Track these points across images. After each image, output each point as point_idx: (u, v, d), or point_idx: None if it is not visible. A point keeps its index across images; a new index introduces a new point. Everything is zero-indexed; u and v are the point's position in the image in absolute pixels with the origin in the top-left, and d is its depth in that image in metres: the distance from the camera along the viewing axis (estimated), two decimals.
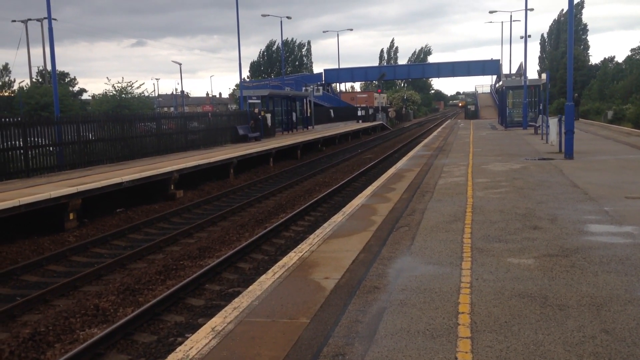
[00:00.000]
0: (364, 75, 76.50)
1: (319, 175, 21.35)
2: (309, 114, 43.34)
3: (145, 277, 9.00)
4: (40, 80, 50.80)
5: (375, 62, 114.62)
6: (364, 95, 78.89)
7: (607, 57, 75.22)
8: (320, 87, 60.87)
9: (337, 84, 76.38)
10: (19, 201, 11.21)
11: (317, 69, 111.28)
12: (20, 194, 11.88)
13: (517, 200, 9.89)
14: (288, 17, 47.45)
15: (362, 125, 49.98)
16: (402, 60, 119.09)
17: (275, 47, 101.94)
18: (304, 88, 52.73)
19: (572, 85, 16.76)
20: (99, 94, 41.37)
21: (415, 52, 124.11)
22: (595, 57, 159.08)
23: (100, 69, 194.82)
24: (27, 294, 8.60)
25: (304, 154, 28.86)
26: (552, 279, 5.61)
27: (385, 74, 70.96)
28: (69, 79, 56.22)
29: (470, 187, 11.52)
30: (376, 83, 76.60)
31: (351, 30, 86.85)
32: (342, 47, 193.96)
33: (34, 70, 55.84)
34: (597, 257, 6.27)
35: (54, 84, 20.59)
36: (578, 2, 79.25)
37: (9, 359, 6.33)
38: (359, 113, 57.98)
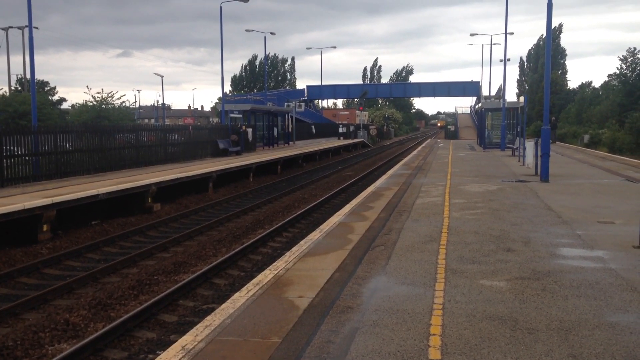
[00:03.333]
0: (346, 93, 77.11)
1: (298, 192, 21.36)
2: (290, 130, 43.43)
3: (118, 292, 8.89)
4: (19, 88, 50.21)
5: (360, 80, 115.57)
6: (346, 113, 79.27)
7: (584, 82, 76.83)
8: (303, 103, 61.15)
9: (320, 101, 76.79)
10: None
11: (302, 84, 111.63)
12: None
13: (492, 222, 10.01)
14: (272, 33, 47.66)
15: (343, 142, 50.22)
16: (386, 78, 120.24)
17: (257, 61, 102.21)
18: (286, 103, 52.93)
19: (548, 109, 17.09)
20: (79, 104, 40.98)
21: (397, 71, 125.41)
22: (576, 81, 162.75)
23: (83, 78, 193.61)
24: None
25: (284, 169, 28.87)
26: (523, 302, 5.68)
27: (367, 92, 71.65)
28: (48, 88, 55.57)
29: (447, 208, 11.63)
30: (357, 101, 77.18)
31: (334, 47, 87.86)
32: (329, 64, 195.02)
33: (14, 79, 55.12)
34: (568, 281, 6.36)
35: (33, 93, 20.35)
36: (556, 27, 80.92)
37: None
38: (341, 130, 58.27)
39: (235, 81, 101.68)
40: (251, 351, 4.61)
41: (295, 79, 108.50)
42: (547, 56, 17.20)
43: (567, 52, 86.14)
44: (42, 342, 7.04)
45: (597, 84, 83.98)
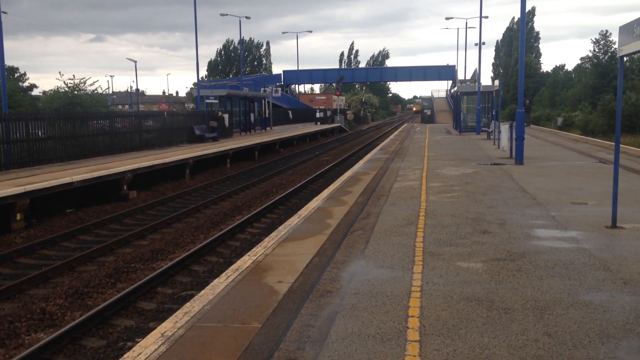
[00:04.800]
0: (323, 78, 76.80)
1: (276, 177, 21.32)
2: (267, 115, 43.19)
3: (95, 280, 8.80)
4: None
5: (337, 65, 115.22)
6: (323, 97, 79.16)
7: (557, 65, 77.79)
8: (279, 88, 60.79)
9: (296, 86, 76.43)
10: None
11: (278, 69, 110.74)
12: None
13: (468, 204, 10.12)
14: (247, 17, 47.16)
15: (320, 127, 50.14)
16: (363, 62, 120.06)
17: (232, 46, 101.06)
18: (262, 89, 52.53)
19: (522, 92, 17.26)
20: (51, 90, 40.19)
21: (374, 55, 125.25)
22: (550, 64, 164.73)
23: (54, 64, 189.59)
24: None
25: (261, 155, 28.75)
26: (499, 282, 5.77)
27: (344, 76, 71.39)
28: (18, 74, 54.39)
29: (424, 191, 11.72)
30: (334, 85, 76.97)
31: (310, 32, 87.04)
32: (306, 48, 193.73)
33: None
34: (543, 262, 6.48)
35: (2, 79, 19.83)
36: (529, 11, 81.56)
37: None
38: (318, 115, 58.15)
39: (210, 66, 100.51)
40: (231, 337, 4.61)
41: (271, 64, 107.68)
42: (521, 39, 17.34)
43: (540, 35, 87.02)
44: (19, 331, 6.96)
45: (570, 66, 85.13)
